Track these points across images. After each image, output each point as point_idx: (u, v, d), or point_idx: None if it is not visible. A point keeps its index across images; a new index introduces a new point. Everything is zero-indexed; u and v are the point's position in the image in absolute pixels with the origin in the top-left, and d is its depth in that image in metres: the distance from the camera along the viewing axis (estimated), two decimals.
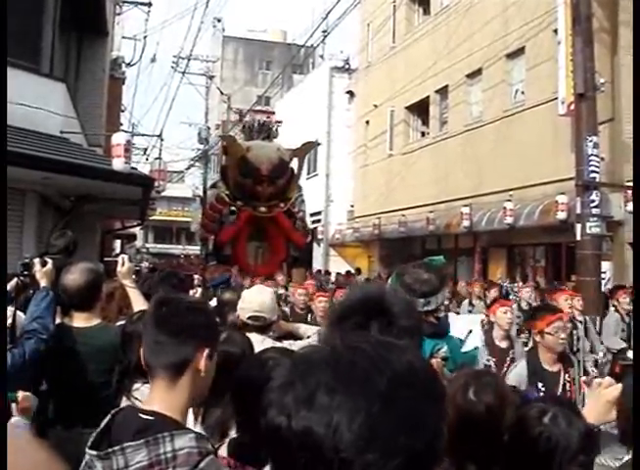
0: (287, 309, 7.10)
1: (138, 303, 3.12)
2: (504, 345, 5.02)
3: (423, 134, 19.83)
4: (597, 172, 9.59)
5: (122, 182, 8.29)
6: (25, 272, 3.14)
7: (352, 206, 23.36)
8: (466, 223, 14.70)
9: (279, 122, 17.51)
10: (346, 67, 24.92)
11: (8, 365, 2.56)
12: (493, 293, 8.66)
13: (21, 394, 2.36)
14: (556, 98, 11.55)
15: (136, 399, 2.18)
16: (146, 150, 23.98)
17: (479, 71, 15.95)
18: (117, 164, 8.19)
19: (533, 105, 13.53)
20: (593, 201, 9.46)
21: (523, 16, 13.74)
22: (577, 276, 9.75)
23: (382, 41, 21.15)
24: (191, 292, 5.96)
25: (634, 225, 8.30)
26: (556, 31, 11.77)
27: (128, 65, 17.82)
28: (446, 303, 9.62)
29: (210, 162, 30.91)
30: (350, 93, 24.12)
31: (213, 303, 5.26)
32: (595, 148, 9.47)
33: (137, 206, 10.68)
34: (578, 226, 9.54)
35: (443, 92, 17.78)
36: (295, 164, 15.62)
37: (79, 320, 2.99)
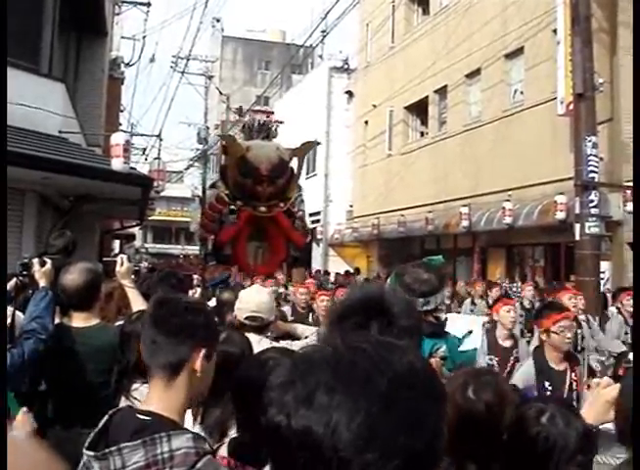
0: (288, 308, 7.12)
1: (137, 303, 3.12)
2: (507, 344, 5.00)
3: (422, 134, 19.83)
4: (596, 172, 9.59)
5: (121, 182, 8.28)
6: (25, 272, 3.14)
7: (351, 206, 23.37)
8: (465, 223, 14.71)
9: (280, 122, 17.44)
10: (345, 67, 24.93)
11: (7, 365, 2.56)
12: (495, 292, 8.62)
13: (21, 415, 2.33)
14: (555, 98, 11.56)
15: (135, 398, 2.19)
16: (145, 150, 23.98)
17: (477, 72, 15.95)
18: (116, 164, 8.18)
19: (532, 105, 13.54)
20: (592, 201, 9.46)
21: (522, 16, 13.74)
22: (576, 276, 9.75)
23: (381, 41, 21.16)
24: (190, 292, 5.95)
25: (634, 225, 8.30)
26: (555, 31, 11.78)
27: (127, 65, 17.82)
28: (447, 302, 9.67)
29: (209, 162, 30.90)
30: (349, 93, 24.12)
31: (212, 302, 5.26)
32: (594, 148, 9.48)
33: (136, 206, 10.68)
34: (577, 226, 9.54)
35: (442, 92, 17.79)
36: (294, 163, 15.62)
37: (78, 320, 2.99)
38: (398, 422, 0.70)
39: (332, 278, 16.39)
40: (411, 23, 20.16)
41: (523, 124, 13.85)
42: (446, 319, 2.76)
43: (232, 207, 15.09)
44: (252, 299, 3.27)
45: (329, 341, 0.83)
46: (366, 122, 22.07)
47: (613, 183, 11.10)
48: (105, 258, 12.80)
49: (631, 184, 9.71)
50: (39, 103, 8.18)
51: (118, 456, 1.39)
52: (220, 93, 29.83)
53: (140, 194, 9.28)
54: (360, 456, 0.68)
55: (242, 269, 12.73)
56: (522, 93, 14.49)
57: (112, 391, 2.48)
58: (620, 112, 11.30)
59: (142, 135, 23.48)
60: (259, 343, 2.73)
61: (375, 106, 20.74)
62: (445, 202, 16.41)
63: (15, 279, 3.35)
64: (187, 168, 33.79)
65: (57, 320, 3.07)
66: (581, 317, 6.23)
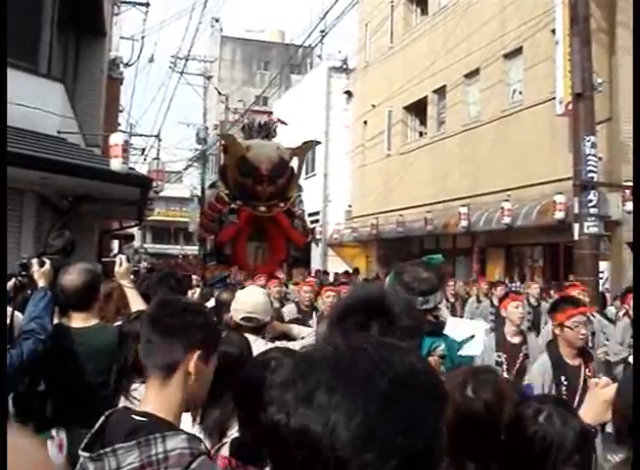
0: (293, 307, 7.11)
1: (136, 303, 3.12)
2: (516, 340, 4.92)
3: (421, 134, 19.83)
4: (595, 172, 9.60)
5: (120, 182, 8.28)
6: (23, 272, 3.13)
7: (350, 206, 23.36)
8: (464, 223, 14.71)
9: (283, 122, 17.34)
10: (344, 67, 24.92)
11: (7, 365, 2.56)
12: (500, 291, 8.53)
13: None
14: (554, 98, 11.57)
15: (134, 398, 2.19)
16: (144, 150, 23.92)
17: (476, 72, 15.96)
18: (115, 164, 8.17)
19: (531, 105, 13.55)
20: (591, 201, 9.47)
21: (520, 16, 13.75)
22: (575, 276, 9.76)
23: (379, 41, 21.16)
24: (190, 292, 5.95)
25: (634, 225, 8.30)
26: (554, 31, 11.79)
27: (126, 65, 17.82)
28: (452, 300, 9.61)
29: (208, 162, 30.87)
30: (348, 93, 24.12)
31: (211, 303, 5.26)
32: (593, 148, 9.49)
33: (135, 206, 10.67)
34: (576, 226, 9.55)
35: (441, 92, 17.80)
36: (294, 163, 15.60)
37: (77, 320, 2.98)
38: (397, 422, 0.70)
39: (331, 278, 16.36)
40: (410, 23, 20.17)
41: (521, 124, 13.85)
42: (445, 320, 2.76)
43: (232, 206, 15.07)
44: (248, 299, 3.26)
45: (330, 341, 0.83)
46: (365, 122, 22.07)
47: (611, 183, 11.11)
48: (104, 259, 12.77)
49: (630, 184, 9.73)
50: (38, 103, 8.17)
51: (113, 457, 1.39)
52: (219, 93, 29.81)
53: (139, 194, 9.27)
54: (358, 456, 0.68)
55: (242, 269, 12.71)
56: (520, 93, 14.49)
57: (111, 391, 2.48)
58: (619, 111, 11.31)
59: (141, 135, 23.54)
60: (255, 343, 2.73)
61: (374, 106, 20.75)
62: (444, 202, 16.41)
63: (14, 279, 3.35)
64: (186, 169, 33.77)
65: (56, 320, 3.06)
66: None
